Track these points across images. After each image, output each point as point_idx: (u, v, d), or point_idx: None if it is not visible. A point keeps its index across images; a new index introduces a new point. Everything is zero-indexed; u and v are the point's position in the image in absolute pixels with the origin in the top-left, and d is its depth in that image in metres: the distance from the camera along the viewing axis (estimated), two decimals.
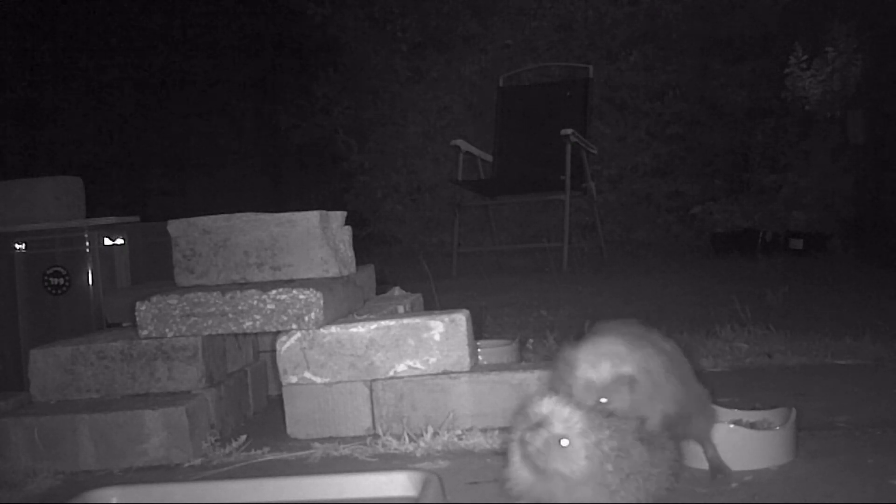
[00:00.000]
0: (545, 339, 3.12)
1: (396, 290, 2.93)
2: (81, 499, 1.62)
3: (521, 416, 1.40)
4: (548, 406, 1.38)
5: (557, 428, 1.35)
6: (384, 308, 2.52)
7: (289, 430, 2.21)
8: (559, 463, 1.34)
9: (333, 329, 2.19)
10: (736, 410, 1.90)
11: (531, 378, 2.13)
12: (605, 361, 1.52)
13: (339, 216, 2.55)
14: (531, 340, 3.11)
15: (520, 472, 1.39)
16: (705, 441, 1.71)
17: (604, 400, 1.50)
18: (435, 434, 2.07)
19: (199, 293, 2.20)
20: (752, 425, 1.83)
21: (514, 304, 4.17)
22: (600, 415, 1.40)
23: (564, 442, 1.34)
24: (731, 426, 1.76)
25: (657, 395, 1.54)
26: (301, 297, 2.17)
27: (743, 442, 1.75)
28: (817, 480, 1.67)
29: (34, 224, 3.45)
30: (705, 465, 1.73)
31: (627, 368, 1.52)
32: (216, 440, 2.13)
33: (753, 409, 1.92)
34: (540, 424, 1.36)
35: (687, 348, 1.73)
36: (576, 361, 1.54)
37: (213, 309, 2.19)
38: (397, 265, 5.76)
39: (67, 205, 3.65)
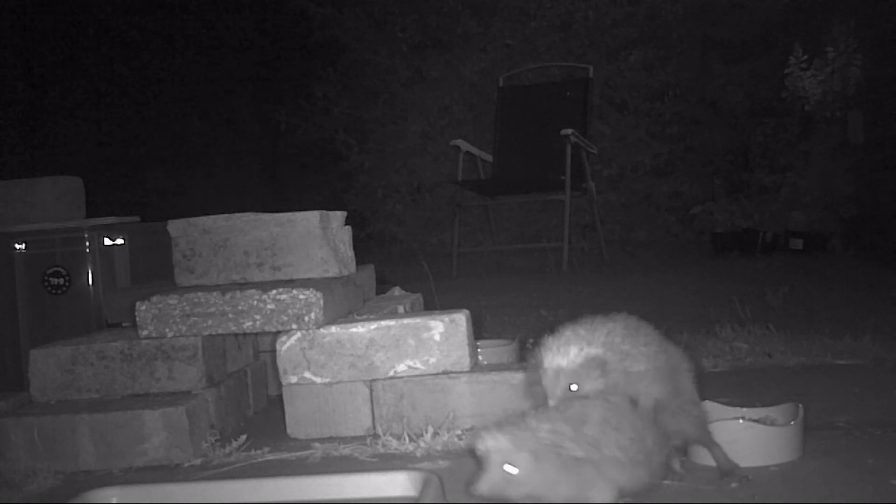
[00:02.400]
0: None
1: (396, 290, 2.93)
2: (81, 499, 1.62)
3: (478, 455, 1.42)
4: (484, 444, 1.39)
5: (495, 460, 1.36)
6: (384, 308, 2.52)
7: (289, 430, 2.21)
8: (516, 489, 1.36)
9: (333, 329, 2.19)
10: (738, 408, 1.90)
11: None
12: (571, 346, 1.53)
13: (339, 216, 2.55)
14: (531, 340, 3.11)
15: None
16: (710, 444, 1.71)
17: (574, 387, 1.50)
18: (435, 434, 2.07)
19: (199, 293, 2.20)
20: (755, 422, 1.83)
21: (514, 304, 4.17)
22: (535, 416, 1.41)
23: (509, 468, 1.36)
24: (742, 421, 1.76)
25: (634, 371, 1.54)
26: (301, 297, 2.17)
27: (755, 438, 1.75)
28: (817, 480, 1.67)
29: (34, 224, 3.45)
30: (711, 462, 1.73)
31: (595, 350, 1.52)
32: (216, 440, 2.13)
33: (754, 406, 1.93)
34: (481, 468, 1.37)
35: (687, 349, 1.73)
36: (542, 353, 1.54)
37: (213, 309, 2.19)
38: (397, 265, 5.77)
39: (67, 205, 3.65)
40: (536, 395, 1.59)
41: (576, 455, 1.37)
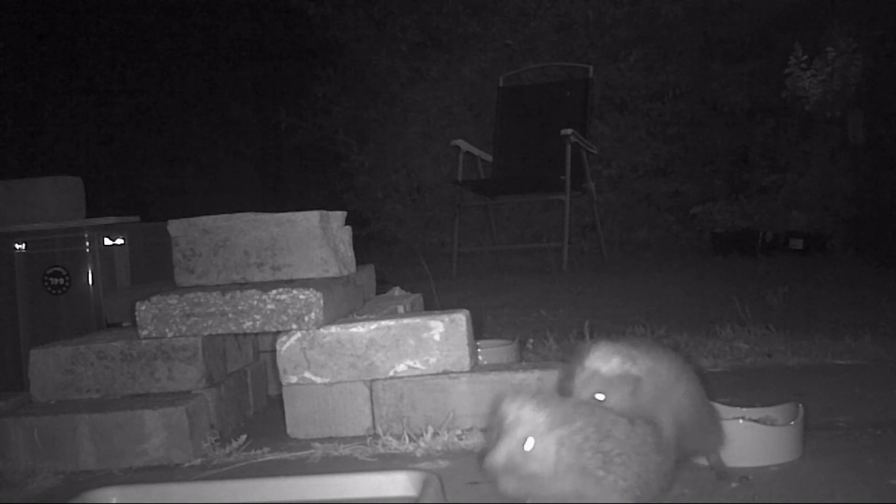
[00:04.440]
0: (545, 339, 3.12)
1: (396, 290, 2.93)
2: (81, 499, 1.62)
3: (494, 418, 1.40)
4: (512, 411, 1.37)
5: (520, 432, 1.35)
6: (384, 308, 2.52)
7: (289, 430, 2.21)
8: (530, 464, 1.34)
9: (333, 329, 2.19)
10: (738, 408, 1.90)
11: (531, 378, 2.13)
12: (616, 357, 1.52)
13: (339, 216, 2.55)
14: (531, 340, 3.11)
15: (497, 474, 1.39)
16: (711, 454, 1.71)
17: (601, 397, 1.49)
18: (435, 434, 2.07)
19: (199, 293, 2.20)
20: (755, 422, 1.83)
21: (514, 304, 4.17)
22: (572, 406, 1.40)
23: (528, 443, 1.34)
24: (742, 421, 1.76)
25: (664, 401, 1.54)
26: (301, 297, 2.17)
27: (755, 438, 1.75)
28: (817, 480, 1.67)
29: (34, 224, 3.45)
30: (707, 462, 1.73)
31: (636, 369, 1.52)
32: (216, 440, 2.13)
33: (754, 406, 1.93)
34: (502, 434, 1.36)
35: (689, 358, 1.73)
36: (588, 353, 1.54)
37: (213, 309, 2.19)
38: (397, 265, 5.77)
39: (67, 205, 3.65)
40: (564, 391, 1.58)
41: (590, 465, 1.35)
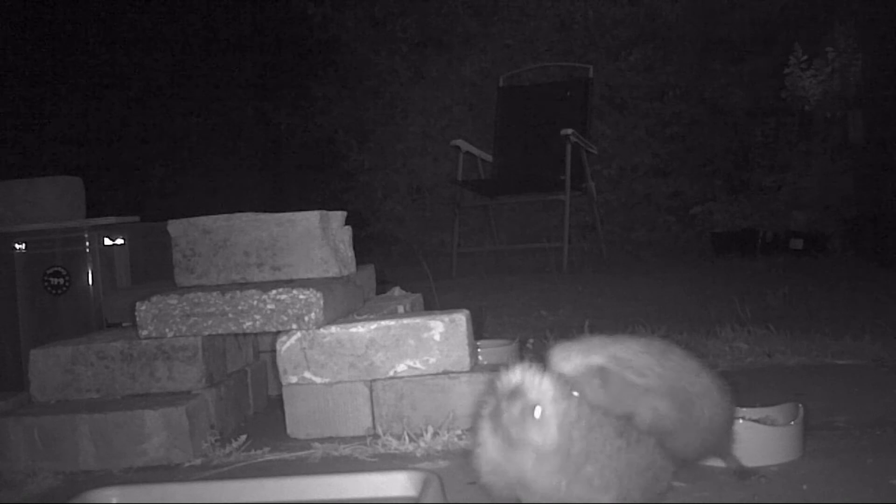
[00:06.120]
0: (545, 339, 3.12)
1: (396, 290, 2.93)
2: (81, 499, 1.62)
3: (490, 393, 1.39)
4: (520, 375, 1.36)
5: (532, 396, 1.33)
6: (384, 308, 2.52)
7: (289, 430, 2.21)
8: (532, 432, 1.32)
9: (333, 329, 2.19)
10: (738, 408, 1.90)
11: None
12: (575, 354, 1.53)
13: (339, 216, 2.55)
14: (531, 340, 3.11)
15: (488, 450, 1.38)
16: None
17: (576, 394, 1.48)
18: (435, 434, 2.07)
19: (199, 293, 2.20)
20: (755, 422, 1.83)
21: (514, 304, 4.17)
22: (567, 385, 1.39)
23: (538, 410, 1.33)
24: (742, 421, 1.77)
25: (638, 385, 1.52)
26: (301, 297, 2.17)
27: (755, 438, 1.75)
28: (817, 480, 1.67)
29: (34, 224, 3.45)
30: (710, 462, 1.72)
31: (598, 359, 1.52)
32: (216, 440, 2.13)
33: (754, 406, 1.93)
34: (514, 394, 1.34)
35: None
36: (550, 357, 1.55)
37: (213, 309, 2.19)
38: (397, 265, 5.76)
39: (67, 205, 3.65)
40: None
41: (574, 449, 1.35)
